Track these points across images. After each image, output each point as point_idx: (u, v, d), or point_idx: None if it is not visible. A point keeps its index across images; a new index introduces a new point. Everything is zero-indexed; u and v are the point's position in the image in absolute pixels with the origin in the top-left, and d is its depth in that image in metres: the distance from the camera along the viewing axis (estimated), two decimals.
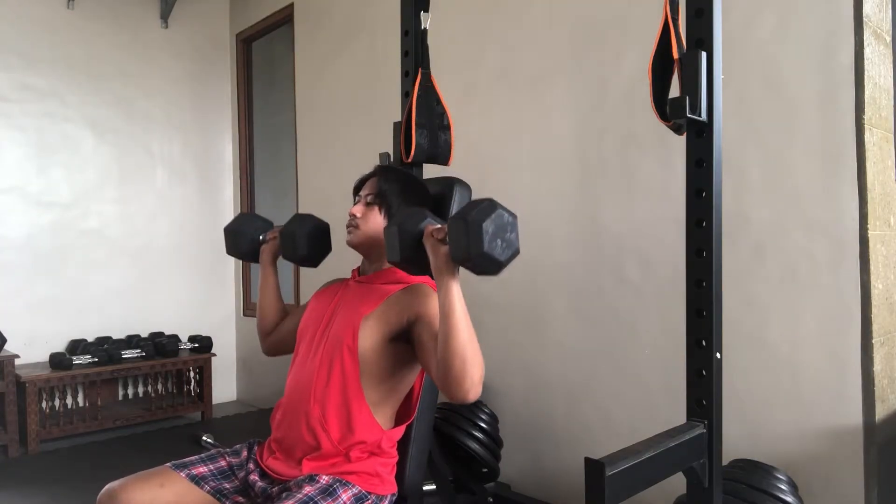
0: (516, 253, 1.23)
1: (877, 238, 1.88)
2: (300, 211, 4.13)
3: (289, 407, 1.52)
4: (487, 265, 1.20)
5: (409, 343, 1.45)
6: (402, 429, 1.54)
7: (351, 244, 1.62)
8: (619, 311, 2.41)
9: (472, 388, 1.22)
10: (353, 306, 1.52)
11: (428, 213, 1.36)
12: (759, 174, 2.04)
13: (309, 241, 1.68)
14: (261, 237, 1.79)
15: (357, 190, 1.67)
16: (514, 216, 1.22)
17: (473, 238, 1.16)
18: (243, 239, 1.79)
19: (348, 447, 1.43)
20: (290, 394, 1.54)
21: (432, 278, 1.44)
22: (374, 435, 1.46)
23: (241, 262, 4.71)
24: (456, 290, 1.25)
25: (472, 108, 2.90)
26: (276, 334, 1.80)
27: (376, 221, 1.58)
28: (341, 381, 1.45)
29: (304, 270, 4.09)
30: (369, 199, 1.60)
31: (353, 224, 1.60)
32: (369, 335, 1.46)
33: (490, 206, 1.20)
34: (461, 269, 1.26)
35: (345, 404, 1.45)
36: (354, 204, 1.64)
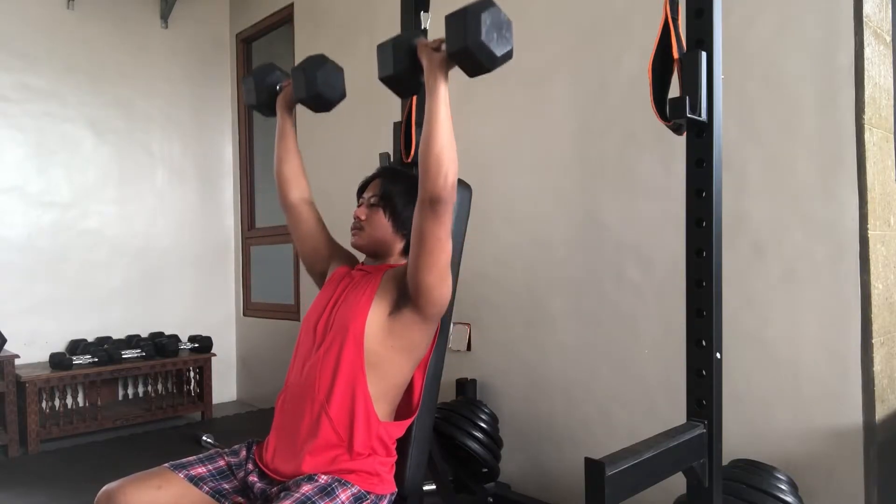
0: (510, 53, 1.29)
1: (877, 238, 1.88)
2: None
3: (292, 393, 1.52)
4: (482, 57, 1.26)
5: (406, 307, 1.46)
6: (403, 424, 1.54)
7: (356, 246, 1.63)
8: (619, 310, 2.41)
9: (447, 183, 1.32)
10: (357, 294, 1.53)
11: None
12: (759, 174, 2.04)
13: (320, 79, 1.63)
14: (278, 86, 1.76)
15: (361, 191, 1.67)
16: (510, 20, 1.29)
17: (471, 26, 1.22)
18: (260, 88, 1.75)
19: (350, 437, 1.43)
20: (293, 381, 1.54)
21: (418, 90, 1.45)
22: (373, 426, 1.45)
23: (240, 262, 4.71)
24: (444, 92, 1.33)
25: (472, 108, 2.90)
26: (299, 204, 1.73)
27: (381, 224, 1.59)
28: (345, 369, 1.45)
29: (303, 270, 4.08)
30: (373, 200, 1.60)
31: (357, 227, 1.61)
32: (375, 318, 1.47)
33: (488, 1, 1.26)
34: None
35: (348, 393, 1.45)
36: (358, 206, 1.64)
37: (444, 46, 1.31)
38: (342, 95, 1.70)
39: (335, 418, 1.44)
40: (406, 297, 1.46)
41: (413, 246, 1.41)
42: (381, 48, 1.44)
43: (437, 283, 1.41)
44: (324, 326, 1.53)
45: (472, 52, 1.25)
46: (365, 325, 1.46)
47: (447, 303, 1.48)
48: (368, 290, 1.51)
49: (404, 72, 1.41)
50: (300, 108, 1.76)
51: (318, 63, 1.65)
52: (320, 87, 1.63)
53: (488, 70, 1.30)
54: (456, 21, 1.26)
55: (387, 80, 1.46)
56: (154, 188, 4.43)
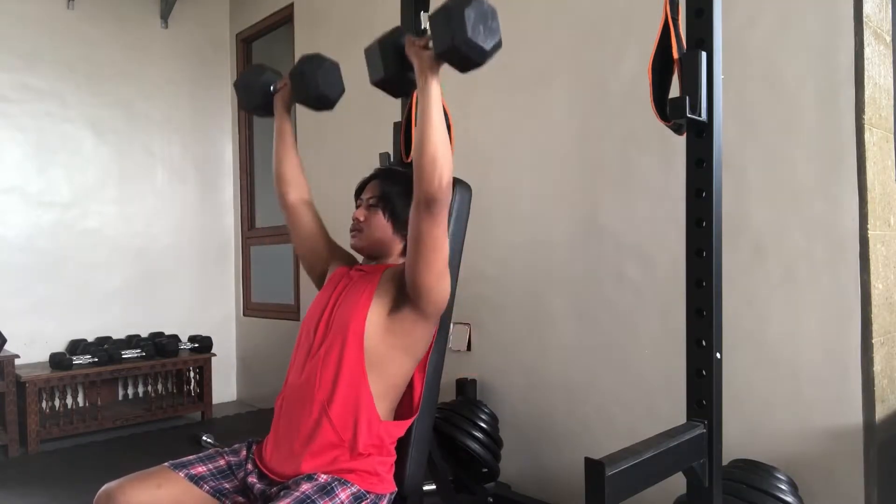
0: (499, 43, 1.26)
1: (877, 238, 1.88)
2: None
3: (292, 394, 1.52)
4: (472, 53, 1.23)
5: (405, 305, 1.46)
6: (404, 424, 1.54)
7: (355, 248, 1.64)
8: (619, 310, 2.41)
9: (442, 184, 1.32)
10: (356, 293, 1.53)
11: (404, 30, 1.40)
12: (759, 174, 2.04)
13: (321, 79, 1.61)
14: (272, 87, 1.73)
15: (358, 193, 1.68)
16: (494, 8, 1.25)
17: (456, 24, 1.19)
18: (254, 91, 1.73)
19: (351, 437, 1.43)
20: (293, 382, 1.53)
21: (412, 89, 1.45)
22: (374, 426, 1.45)
23: (240, 262, 4.71)
24: (436, 92, 1.32)
25: (472, 108, 2.90)
26: (299, 204, 1.73)
27: (380, 225, 1.59)
28: (347, 369, 1.45)
29: (303, 270, 4.08)
30: (372, 202, 1.61)
31: (357, 228, 1.61)
32: (375, 317, 1.47)
33: None
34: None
35: (350, 393, 1.45)
36: (357, 208, 1.64)
37: (431, 44, 1.29)
38: (342, 91, 1.69)
39: (337, 419, 1.43)
40: (405, 295, 1.46)
41: (410, 246, 1.41)
42: (369, 52, 1.41)
43: (436, 283, 1.42)
44: (324, 327, 1.53)
45: (460, 50, 1.22)
46: (365, 325, 1.46)
47: (446, 301, 1.49)
48: (367, 290, 1.52)
49: (395, 73, 1.39)
50: (297, 110, 1.76)
51: (317, 62, 1.63)
52: (322, 88, 1.62)
53: (479, 65, 1.27)
54: (440, 20, 1.23)
55: (379, 84, 1.45)
56: (154, 188, 4.43)
